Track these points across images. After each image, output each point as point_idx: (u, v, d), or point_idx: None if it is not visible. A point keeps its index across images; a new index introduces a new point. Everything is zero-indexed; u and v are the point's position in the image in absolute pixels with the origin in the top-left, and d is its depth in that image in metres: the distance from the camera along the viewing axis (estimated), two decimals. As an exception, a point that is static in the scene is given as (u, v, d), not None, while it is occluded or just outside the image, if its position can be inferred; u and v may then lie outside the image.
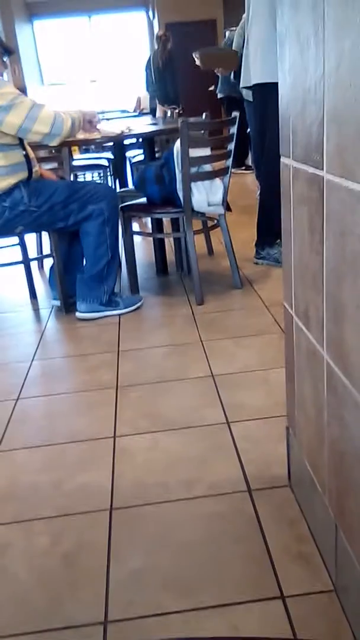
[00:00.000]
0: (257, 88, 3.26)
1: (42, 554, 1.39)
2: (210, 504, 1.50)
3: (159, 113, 6.25)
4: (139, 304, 3.00)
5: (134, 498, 1.55)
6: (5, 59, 2.76)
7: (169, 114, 5.81)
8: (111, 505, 1.53)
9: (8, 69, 2.76)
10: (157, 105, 6.64)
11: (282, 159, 1.25)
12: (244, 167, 7.41)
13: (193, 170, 2.84)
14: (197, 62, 4.04)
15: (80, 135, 2.87)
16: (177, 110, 6.34)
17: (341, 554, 1.14)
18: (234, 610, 1.18)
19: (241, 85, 3.50)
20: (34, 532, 1.46)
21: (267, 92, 3.02)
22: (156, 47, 7.04)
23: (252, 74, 3.28)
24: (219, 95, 7.25)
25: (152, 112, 6.08)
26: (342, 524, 1.12)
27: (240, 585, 1.24)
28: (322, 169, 1.00)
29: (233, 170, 7.11)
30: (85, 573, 1.32)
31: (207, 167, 2.94)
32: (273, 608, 1.17)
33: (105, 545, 1.39)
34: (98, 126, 2.90)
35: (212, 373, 2.22)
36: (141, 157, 4.81)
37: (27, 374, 2.38)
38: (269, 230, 3.41)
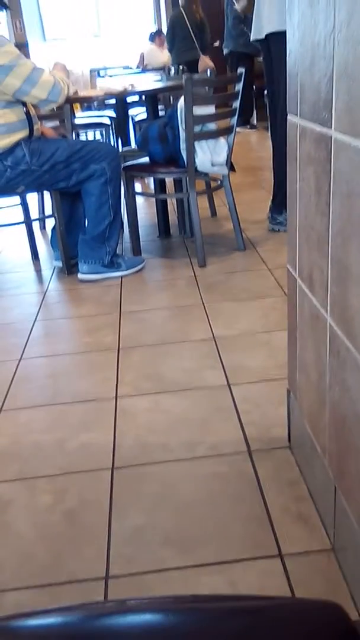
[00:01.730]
0: (274, 37, 2.94)
1: (44, 511, 1.41)
2: (211, 465, 1.52)
3: (208, 63, 6.16)
4: (141, 266, 2.98)
5: (135, 458, 1.57)
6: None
7: (172, 70, 5.71)
8: (113, 465, 1.55)
9: (7, 12, 2.69)
10: (201, 56, 6.59)
11: (289, 117, 1.22)
12: (249, 126, 7.28)
13: (197, 129, 2.78)
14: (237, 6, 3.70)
15: (83, 92, 2.81)
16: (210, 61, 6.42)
17: (340, 515, 1.16)
18: (232, 567, 1.20)
19: (252, 37, 3.18)
20: (37, 489, 1.48)
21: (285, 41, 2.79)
22: (184, 1, 6.94)
23: (267, 22, 2.97)
24: (225, 51, 7.07)
25: (189, 65, 5.98)
26: (341, 486, 1.13)
27: (240, 544, 1.26)
28: (331, 127, 0.98)
29: (238, 129, 7.01)
30: (87, 530, 1.34)
31: (212, 126, 2.88)
32: (271, 566, 1.20)
33: (107, 503, 1.41)
34: (99, 82, 2.85)
35: (213, 335, 2.22)
36: (144, 116, 4.73)
37: (29, 334, 2.38)
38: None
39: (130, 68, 7.23)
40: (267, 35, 3.00)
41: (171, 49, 7.13)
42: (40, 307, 2.65)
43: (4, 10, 2.74)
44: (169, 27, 7.22)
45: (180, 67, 5.15)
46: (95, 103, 5.24)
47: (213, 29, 7.26)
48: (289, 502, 1.36)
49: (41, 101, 2.58)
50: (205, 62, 6.31)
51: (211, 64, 6.20)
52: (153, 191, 3.62)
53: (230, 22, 6.74)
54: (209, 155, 2.87)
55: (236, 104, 2.96)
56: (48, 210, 3.74)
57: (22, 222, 3.21)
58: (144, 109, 4.87)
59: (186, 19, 6.90)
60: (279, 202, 3.27)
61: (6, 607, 1.17)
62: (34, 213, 3.70)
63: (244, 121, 7.08)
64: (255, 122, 7.40)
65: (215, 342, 2.17)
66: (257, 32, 3.10)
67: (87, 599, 1.16)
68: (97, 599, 1.16)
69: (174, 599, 0.65)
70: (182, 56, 6.87)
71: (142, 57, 7.61)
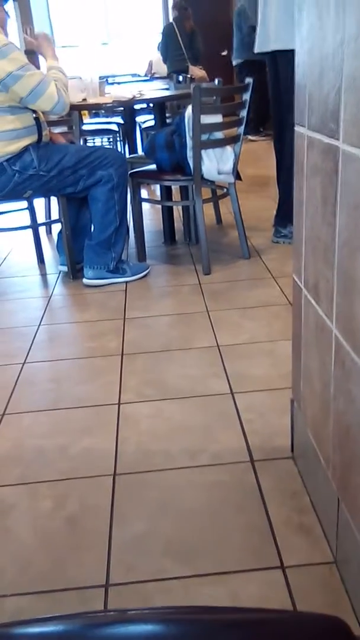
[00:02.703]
0: (282, 55, 2.95)
1: (45, 517, 1.40)
2: (213, 473, 1.51)
3: (197, 73, 6.47)
4: (146, 272, 2.99)
5: (137, 464, 1.57)
6: (6, 6, 2.69)
7: (180, 78, 5.77)
8: (115, 471, 1.55)
9: (10, 18, 2.69)
10: (190, 66, 6.87)
11: (297, 128, 1.22)
12: (263, 134, 7.21)
13: (204, 137, 2.79)
14: None
15: (92, 100, 2.83)
16: (203, 71, 6.68)
17: (342, 527, 1.15)
18: (234, 578, 1.20)
19: (256, 50, 3.16)
20: (38, 494, 1.48)
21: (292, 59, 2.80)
22: (177, 14, 7.26)
23: (274, 37, 2.97)
24: (234, 62, 7.10)
25: (179, 73, 6.21)
26: (344, 498, 1.13)
27: (241, 554, 1.26)
28: (338, 139, 0.98)
29: (252, 137, 6.99)
30: (87, 536, 1.34)
31: (219, 135, 2.89)
32: (273, 577, 1.19)
33: (108, 510, 1.41)
34: (108, 89, 2.87)
35: (217, 343, 2.22)
36: (151, 123, 4.74)
37: (33, 338, 2.38)
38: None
39: (139, 76, 7.26)
40: (273, 51, 3.01)
41: (165, 59, 7.38)
42: (44, 311, 2.65)
43: (13, 1, 2.74)
44: (162, 38, 7.47)
45: (180, 76, 5.24)
46: (103, 110, 5.26)
47: (221, 38, 7.32)
48: (291, 512, 1.36)
49: (45, 111, 2.66)
50: (195, 72, 6.53)
51: (200, 73, 6.49)
52: (159, 198, 3.63)
53: (245, 31, 6.77)
54: (216, 163, 2.88)
55: (243, 113, 2.97)
56: (54, 215, 3.74)
57: (29, 227, 3.22)
58: (151, 116, 4.89)
59: (177, 30, 7.18)
60: (283, 215, 3.26)
61: (6, 613, 1.16)
62: (41, 218, 3.72)
63: (257, 129, 7.09)
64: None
65: (219, 349, 2.17)
66: (263, 44, 3.08)
67: (87, 607, 1.16)
68: (97, 607, 1.16)
69: (175, 610, 0.65)
70: (173, 65, 7.07)
71: (150, 65, 7.64)
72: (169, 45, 7.27)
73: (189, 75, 5.27)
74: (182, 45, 7.16)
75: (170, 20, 7.60)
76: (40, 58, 2.94)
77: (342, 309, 1.04)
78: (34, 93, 2.52)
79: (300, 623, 0.52)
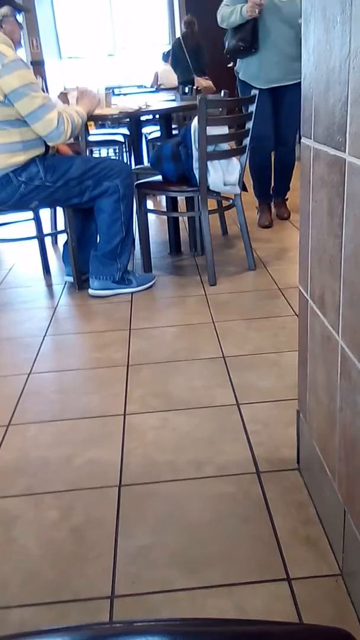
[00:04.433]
0: (284, 88, 3.52)
1: (51, 528, 1.40)
2: (219, 485, 1.51)
3: (202, 83, 6.86)
4: (151, 283, 2.99)
5: (143, 475, 1.56)
6: (19, 18, 2.71)
7: (187, 90, 5.85)
8: (120, 482, 1.54)
9: (24, 29, 2.71)
10: (195, 77, 7.22)
11: (303, 140, 1.23)
12: None
13: (210, 148, 2.81)
14: None
15: (98, 111, 2.85)
16: (209, 81, 7.03)
17: (349, 539, 1.15)
18: (239, 589, 1.19)
19: (260, 84, 3.55)
20: (43, 505, 1.48)
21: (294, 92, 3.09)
22: (184, 30, 7.67)
23: (276, 78, 3.51)
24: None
25: (185, 84, 6.44)
26: (351, 510, 1.12)
27: (247, 566, 1.25)
28: (345, 151, 0.98)
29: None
30: (93, 548, 1.33)
31: (224, 146, 2.91)
32: (279, 590, 1.18)
33: (114, 521, 1.41)
34: (114, 100, 2.89)
35: (223, 354, 2.21)
36: (157, 134, 4.76)
37: (39, 348, 2.39)
38: None
39: (145, 87, 7.32)
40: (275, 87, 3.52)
41: (175, 71, 7.70)
42: (50, 321, 2.66)
43: (22, 14, 2.74)
44: (171, 52, 7.85)
45: (186, 87, 5.39)
46: (110, 121, 5.30)
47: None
48: (297, 524, 1.35)
49: (41, 134, 2.62)
50: (200, 82, 6.85)
51: (205, 83, 6.86)
52: (165, 209, 3.64)
53: None
54: (222, 174, 2.89)
55: (249, 125, 2.98)
56: (60, 225, 3.75)
57: (35, 237, 3.23)
58: (156, 127, 4.91)
59: (183, 44, 7.59)
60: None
61: (10, 625, 1.16)
62: (47, 228, 3.73)
63: None
64: None
65: (224, 360, 2.17)
66: (263, 82, 3.58)
67: (92, 618, 1.15)
68: (102, 619, 1.15)
69: (180, 622, 0.65)
70: (181, 77, 7.39)
71: (156, 76, 7.71)
72: (178, 59, 7.64)
73: (195, 87, 5.32)
74: (187, 58, 7.48)
75: (178, 35, 8.01)
76: (47, 67, 2.96)
77: (348, 321, 1.04)
78: (33, 115, 2.55)
79: (308, 636, 0.51)
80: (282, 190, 3.98)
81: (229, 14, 3.50)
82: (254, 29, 3.44)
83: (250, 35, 3.46)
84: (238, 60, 3.70)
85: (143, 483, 1.54)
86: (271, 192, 4.00)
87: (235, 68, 3.73)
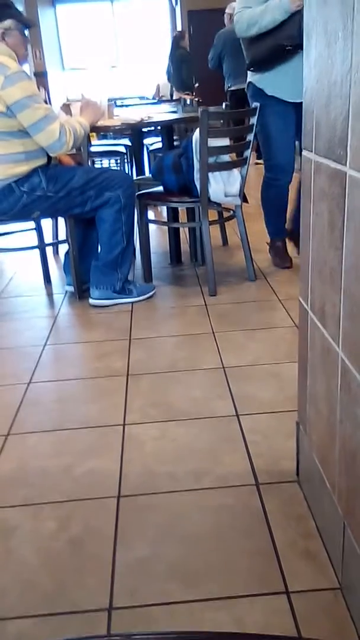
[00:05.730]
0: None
1: (49, 538, 1.40)
2: (218, 496, 1.50)
3: (175, 96, 7.07)
4: (152, 293, 3.00)
5: (142, 486, 1.56)
6: (26, 33, 2.73)
7: (188, 101, 5.88)
8: (119, 493, 1.54)
9: (30, 43, 2.73)
10: (175, 92, 7.46)
11: (304, 153, 1.24)
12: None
13: (211, 160, 2.82)
14: None
15: (100, 122, 2.87)
16: (190, 96, 6.94)
17: (348, 553, 1.14)
18: (238, 602, 1.19)
19: (287, 97, 2.97)
20: (42, 516, 1.47)
21: None
22: (172, 45, 8.07)
23: (297, 95, 3.06)
24: (232, 88, 6.92)
25: (170, 97, 6.54)
26: (350, 523, 1.12)
27: (246, 579, 1.24)
28: (346, 165, 0.99)
29: (259, 161, 7.07)
30: (91, 559, 1.33)
31: (226, 158, 2.92)
32: (278, 603, 1.18)
33: (112, 532, 1.40)
34: (116, 112, 2.90)
35: (223, 365, 2.21)
36: (159, 145, 4.78)
37: (39, 358, 2.39)
38: None
39: (147, 98, 7.37)
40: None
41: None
42: (50, 331, 2.66)
43: (28, 29, 2.76)
44: (168, 64, 8.18)
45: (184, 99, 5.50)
46: (112, 132, 5.33)
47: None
48: (296, 537, 1.35)
49: (42, 145, 2.64)
50: (178, 96, 6.93)
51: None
52: (166, 219, 3.65)
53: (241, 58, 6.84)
54: (222, 185, 2.90)
55: (250, 137, 3.00)
56: (62, 235, 3.77)
57: (36, 247, 3.24)
58: (158, 138, 4.93)
59: (169, 58, 7.99)
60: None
61: (7, 637, 1.15)
62: (48, 238, 3.74)
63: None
64: None
65: (224, 371, 2.16)
66: (298, 94, 3.18)
67: (91, 631, 1.15)
68: (100, 631, 1.14)
69: (178, 635, 0.64)
70: (170, 89, 7.75)
71: (157, 88, 7.77)
72: (168, 70, 8.08)
73: (197, 99, 5.37)
74: (171, 71, 7.90)
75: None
76: (50, 78, 2.98)
77: (349, 333, 1.04)
78: (35, 126, 2.56)
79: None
80: None
81: (259, 15, 2.84)
82: (300, 24, 2.88)
83: (297, 31, 2.72)
84: (257, 74, 3.05)
85: (142, 494, 1.53)
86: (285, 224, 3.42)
87: (249, 82, 3.14)
